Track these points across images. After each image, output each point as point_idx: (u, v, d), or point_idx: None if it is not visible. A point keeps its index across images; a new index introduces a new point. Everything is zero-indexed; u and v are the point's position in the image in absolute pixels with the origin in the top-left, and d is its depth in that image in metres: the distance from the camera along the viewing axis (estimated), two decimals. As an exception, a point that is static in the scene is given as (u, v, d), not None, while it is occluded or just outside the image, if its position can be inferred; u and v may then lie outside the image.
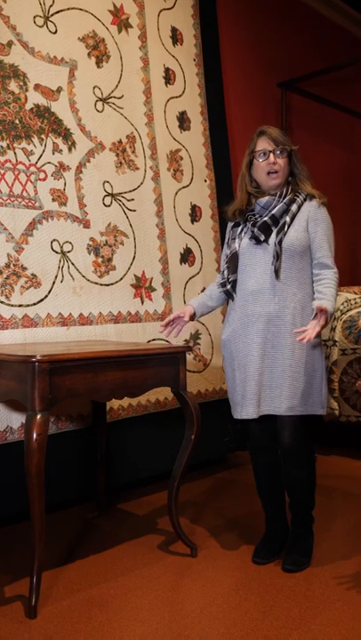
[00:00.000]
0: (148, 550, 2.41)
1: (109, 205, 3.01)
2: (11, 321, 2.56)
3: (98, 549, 2.42)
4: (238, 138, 3.99)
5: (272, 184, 2.24)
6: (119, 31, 3.17)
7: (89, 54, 3.00)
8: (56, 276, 2.74)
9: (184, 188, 3.44)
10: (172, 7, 3.50)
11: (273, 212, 2.20)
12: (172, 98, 3.44)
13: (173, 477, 2.32)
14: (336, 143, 5.21)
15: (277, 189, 2.25)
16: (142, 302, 3.12)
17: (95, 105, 3.00)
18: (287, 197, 2.22)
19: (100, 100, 3.03)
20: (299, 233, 2.18)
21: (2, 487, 2.48)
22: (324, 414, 2.25)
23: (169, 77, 3.44)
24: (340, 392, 3.64)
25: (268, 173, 2.22)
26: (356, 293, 3.93)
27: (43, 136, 2.76)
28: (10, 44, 2.68)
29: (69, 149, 2.86)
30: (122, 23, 3.18)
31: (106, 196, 3.00)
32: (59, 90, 2.85)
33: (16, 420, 2.53)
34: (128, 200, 3.10)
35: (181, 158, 3.45)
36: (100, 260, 2.93)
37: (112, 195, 3.03)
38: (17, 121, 2.67)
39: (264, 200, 2.24)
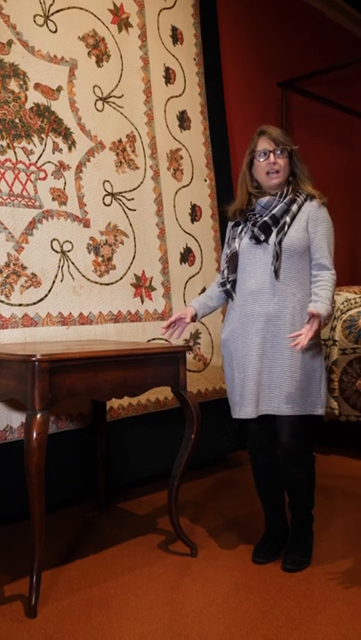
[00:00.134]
0: (147, 550, 2.41)
1: (109, 205, 3.01)
2: (11, 320, 2.56)
3: (98, 549, 2.42)
4: (238, 137, 3.99)
5: (272, 184, 2.24)
6: (119, 30, 3.17)
7: (89, 53, 2.99)
8: (56, 276, 2.74)
9: (184, 187, 3.44)
10: (173, 6, 3.50)
11: (273, 211, 2.20)
12: (172, 97, 3.44)
13: (173, 477, 2.32)
14: (336, 143, 5.21)
15: (278, 189, 2.25)
16: (142, 302, 3.11)
17: (95, 104, 3.00)
18: (288, 197, 2.22)
19: (100, 99, 3.03)
20: (299, 233, 2.18)
21: (2, 486, 2.47)
22: (323, 414, 2.25)
23: (169, 77, 3.44)
24: (340, 391, 3.64)
25: (268, 173, 2.22)
26: (356, 293, 3.93)
27: (43, 135, 2.76)
28: (10, 43, 2.68)
29: (69, 149, 2.86)
30: (122, 22, 3.18)
31: (106, 195, 3.00)
32: (59, 89, 2.85)
33: (16, 419, 2.53)
34: (128, 199, 3.10)
35: (181, 158, 3.45)
36: (100, 259, 2.93)
37: (112, 194, 3.03)
38: (17, 120, 2.67)
39: (265, 200, 2.24)
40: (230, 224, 2.38)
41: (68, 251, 2.80)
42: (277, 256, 2.16)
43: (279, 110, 4.55)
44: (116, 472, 2.95)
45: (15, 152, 2.65)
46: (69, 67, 2.90)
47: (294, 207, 2.20)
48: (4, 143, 2.62)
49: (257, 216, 2.23)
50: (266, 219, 2.20)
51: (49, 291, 2.70)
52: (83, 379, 2.02)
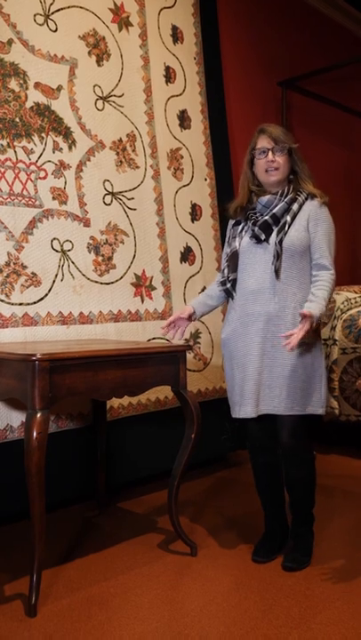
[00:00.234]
0: (147, 549, 2.41)
1: (110, 204, 3.01)
2: (11, 319, 2.56)
3: (98, 548, 2.42)
4: (239, 136, 3.99)
5: (271, 181, 2.23)
6: (120, 29, 3.16)
7: (89, 53, 2.99)
8: (56, 275, 2.74)
9: (184, 186, 3.44)
10: (173, 5, 3.50)
11: (274, 210, 2.20)
12: (172, 96, 3.44)
13: (173, 476, 2.32)
14: (336, 142, 5.21)
15: (278, 187, 2.24)
16: (142, 301, 3.11)
17: (95, 103, 3.00)
18: (288, 196, 2.21)
19: (101, 98, 3.03)
20: (299, 233, 2.18)
21: (2, 486, 2.47)
22: (323, 414, 2.25)
23: (169, 76, 3.43)
24: (340, 391, 3.65)
25: (267, 171, 2.22)
26: (356, 292, 3.93)
27: (43, 134, 2.76)
28: (10, 42, 2.68)
29: (70, 148, 2.86)
30: (122, 21, 3.18)
31: (106, 194, 3.00)
32: (59, 88, 2.85)
33: (16, 418, 2.53)
34: (128, 199, 3.10)
35: (182, 157, 3.45)
36: (100, 258, 2.93)
37: (112, 193, 3.03)
38: (17, 119, 2.67)
39: (265, 199, 2.24)
40: (231, 223, 2.37)
41: (69, 250, 2.80)
42: (278, 256, 2.16)
43: (279, 109, 4.54)
44: (117, 471, 2.95)
45: (15, 151, 2.65)
46: (69, 66, 2.90)
47: (295, 206, 2.20)
48: (5, 142, 2.61)
49: (258, 215, 2.23)
50: (266, 218, 2.20)
51: (49, 290, 2.70)
52: (83, 378, 2.02)
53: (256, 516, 2.56)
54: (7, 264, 2.57)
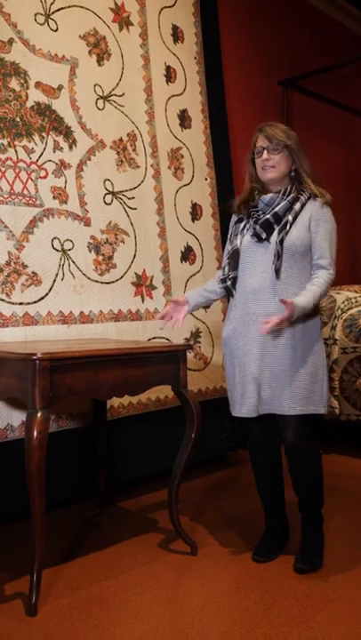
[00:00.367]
0: (148, 548, 2.41)
1: (110, 203, 3.01)
2: (11, 319, 2.56)
3: (98, 547, 2.42)
4: (239, 136, 3.99)
5: (267, 177, 2.23)
6: (120, 29, 3.16)
7: (90, 52, 2.99)
8: (57, 274, 2.74)
9: (185, 186, 3.44)
10: (173, 5, 3.50)
11: (276, 209, 2.20)
12: (172, 96, 3.44)
13: (174, 475, 2.33)
14: (337, 141, 5.21)
15: (280, 185, 2.24)
16: (143, 300, 3.11)
17: (96, 103, 3.00)
18: (291, 195, 2.21)
19: (101, 97, 3.03)
20: (301, 232, 2.17)
21: (2, 485, 2.48)
22: (325, 413, 2.25)
23: (170, 75, 3.43)
24: (340, 391, 3.65)
25: (263, 168, 2.23)
26: (356, 292, 3.93)
27: (43, 134, 2.76)
28: (11, 41, 2.68)
29: (70, 147, 2.86)
30: (123, 21, 3.18)
31: (106, 194, 3.00)
32: (59, 88, 2.85)
33: (16, 417, 2.53)
34: (129, 198, 3.10)
35: (182, 156, 3.45)
36: (100, 258, 2.93)
37: (113, 193, 3.03)
38: (18, 119, 2.67)
39: (268, 197, 2.23)
40: (233, 219, 2.37)
41: (69, 249, 2.80)
42: (279, 255, 2.15)
43: (280, 109, 4.54)
44: (117, 471, 2.95)
45: (16, 151, 2.65)
46: (70, 65, 2.90)
47: (297, 206, 2.19)
48: (5, 142, 2.62)
49: (260, 213, 2.23)
50: (268, 216, 2.19)
51: (49, 289, 2.70)
52: (83, 377, 2.02)
53: (256, 515, 2.56)
54: (8, 263, 2.57)
